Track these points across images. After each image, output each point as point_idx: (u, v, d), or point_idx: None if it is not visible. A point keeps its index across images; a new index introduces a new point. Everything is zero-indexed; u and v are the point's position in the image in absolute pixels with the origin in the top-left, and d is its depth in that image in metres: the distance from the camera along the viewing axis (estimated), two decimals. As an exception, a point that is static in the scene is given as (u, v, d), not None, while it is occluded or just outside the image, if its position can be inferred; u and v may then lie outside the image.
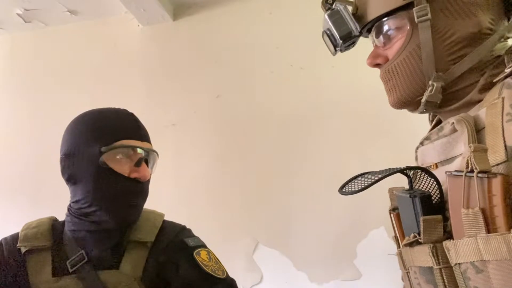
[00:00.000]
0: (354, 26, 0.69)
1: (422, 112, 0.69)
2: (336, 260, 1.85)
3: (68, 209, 0.93)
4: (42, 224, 0.94)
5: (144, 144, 0.92)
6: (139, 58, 2.30)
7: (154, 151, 0.96)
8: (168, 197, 2.03)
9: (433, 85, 0.63)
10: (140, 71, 2.28)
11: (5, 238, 0.93)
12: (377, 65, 0.71)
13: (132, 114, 0.96)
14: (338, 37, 0.70)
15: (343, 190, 0.58)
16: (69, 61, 2.39)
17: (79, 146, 0.89)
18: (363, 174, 0.60)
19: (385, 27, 0.67)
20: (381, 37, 0.69)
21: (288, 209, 1.94)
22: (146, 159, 0.92)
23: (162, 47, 2.27)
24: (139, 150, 0.90)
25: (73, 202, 0.91)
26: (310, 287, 1.85)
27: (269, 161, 2.01)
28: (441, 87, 0.63)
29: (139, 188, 0.90)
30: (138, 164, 0.89)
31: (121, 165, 0.88)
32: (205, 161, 2.08)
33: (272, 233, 1.94)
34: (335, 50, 0.73)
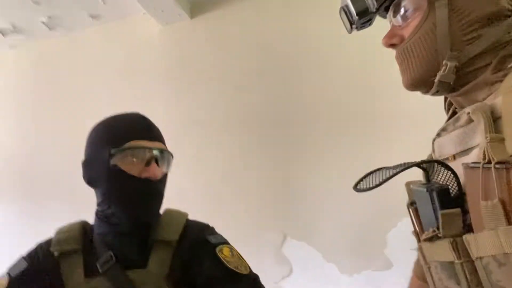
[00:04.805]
0: (371, 2, 0.68)
1: (434, 94, 0.68)
2: (366, 250, 1.83)
3: (95, 213, 0.96)
4: (72, 228, 0.97)
5: (155, 144, 0.93)
6: (160, 57, 2.33)
7: (166, 150, 0.96)
8: (194, 194, 2.07)
9: (446, 65, 0.62)
10: (161, 70, 2.31)
11: (40, 244, 0.98)
12: (393, 45, 0.69)
13: (142, 116, 0.97)
14: (355, 13, 0.69)
15: (358, 187, 0.58)
16: (93, 65, 2.45)
17: (93, 151, 0.93)
18: (378, 170, 0.59)
19: (403, 5, 0.66)
20: (398, 16, 0.67)
21: (314, 201, 1.93)
22: (157, 159, 0.92)
23: (182, 45, 2.30)
24: (147, 150, 0.91)
25: (97, 205, 0.95)
26: (341, 278, 1.84)
27: (293, 153, 2.00)
28: (454, 67, 0.62)
29: (151, 188, 0.91)
30: (147, 163, 0.90)
31: (132, 166, 0.89)
32: (229, 156, 2.09)
33: (299, 226, 1.94)
34: (351, 27, 0.72)
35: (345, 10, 0.71)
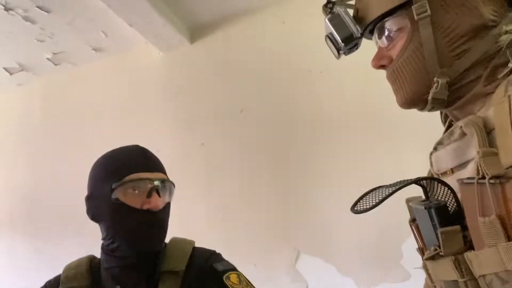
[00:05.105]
0: (355, 29, 0.69)
1: (430, 110, 0.68)
2: (382, 261, 1.81)
3: (101, 247, 0.97)
4: (80, 264, 0.98)
5: (155, 175, 0.94)
6: (163, 84, 2.37)
7: (167, 179, 0.97)
8: (204, 218, 2.07)
9: (438, 82, 0.62)
10: (166, 96, 2.35)
11: (49, 281, 0.99)
12: (382, 67, 0.70)
13: (141, 148, 0.99)
14: (340, 41, 0.70)
15: (355, 208, 0.57)
16: (99, 97, 2.50)
17: (95, 186, 0.95)
18: (375, 189, 0.59)
19: (386, 27, 0.67)
20: (383, 38, 0.68)
21: (325, 214, 1.92)
22: (158, 189, 0.93)
23: (184, 70, 2.33)
24: (148, 181, 0.92)
25: (102, 240, 0.96)
26: (358, 292, 1.82)
27: (300, 167, 2.00)
28: (446, 83, 0.62)
29: (153, 219, 0.91)
30: (148, 195, 0.91)
31: (133, 198, 0.91)
32: (237, 175, 2.10)
33: (312, 241, 1.92)
34: (338, 53, 0.73)
35: (330, 37, 0.71)
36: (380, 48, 0.70)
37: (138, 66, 2.45)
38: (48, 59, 2.50)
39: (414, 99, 0.66)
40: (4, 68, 2.54)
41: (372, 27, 0.69)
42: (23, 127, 2.67)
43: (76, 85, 2.58)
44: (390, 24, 0.66)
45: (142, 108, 2.37)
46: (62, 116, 2.57)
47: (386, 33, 0.67)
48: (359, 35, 0.69)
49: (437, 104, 0.65)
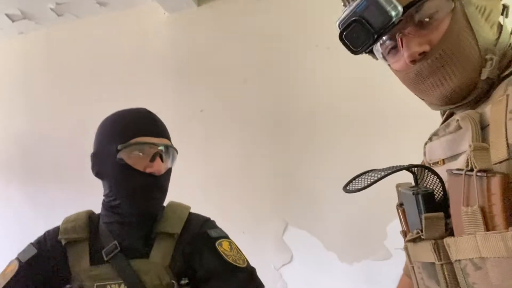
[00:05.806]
0: (395, 10, 0.59)
1: (469, 102, 0.63)
2: (366, 240, 1.87)
3: (102, 203, 1.01)
4: (79, 218, 1.02)
5: (160, 140, 0.96)
6: (166, 45, 2.34)
7: (171, 146, 0.99)
8: (199, 182, 2.11)
9: (492, 59, 0.60)
10: (168, 58, 2.33)
11: (48, 231, 1.02)
12: (421, 55, 0.62)
13: (149, 112, 1.01)
14: (382, 23, 0.60)
15: (347, 188, 0.60)
16: (101, 52, 2.48)
17: (101, 145, 0.98)
18: (368, 171, 0.61)
19: (426, 9, 0.61)
20: (416, 22, 0.61)
21: (317, 190, 1.96)
22: (161, 154, 0.96)
23: (188, 33, 2.31)
24: (152, 146, 0.95)
25: (104, 196, 1.00)
26: (340, 267, 1.88)
27: (297, 143, 2.02)
28: (498, 60, 0.60)
29: (154, 182, 0.95)
30: (152, 159, 0.94)
31: (137, 160, 0.93)
32: (234, 145, 2.12)
33: (301, 215, 1.97)
34: (373, 40, 0.62)
35: (361, 22, 0.62)
36: (408, 36, 0.62)
37: (142, 25, 2.41)
38: (51, 9, 2.45)
39: (467, 83, 0.61)
40: (6, 15, 2.50)
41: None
42: (23, 76, 2.65)
43: (79, 37, 2.54)
44: (430, 5, 0.60)
45: (142, 67, 2.36)
46: (63, 67, 2.55)
47: (423, 15, 0.61)
48: (398, 15, 0.59)
49: (484, 88, 0.61)
